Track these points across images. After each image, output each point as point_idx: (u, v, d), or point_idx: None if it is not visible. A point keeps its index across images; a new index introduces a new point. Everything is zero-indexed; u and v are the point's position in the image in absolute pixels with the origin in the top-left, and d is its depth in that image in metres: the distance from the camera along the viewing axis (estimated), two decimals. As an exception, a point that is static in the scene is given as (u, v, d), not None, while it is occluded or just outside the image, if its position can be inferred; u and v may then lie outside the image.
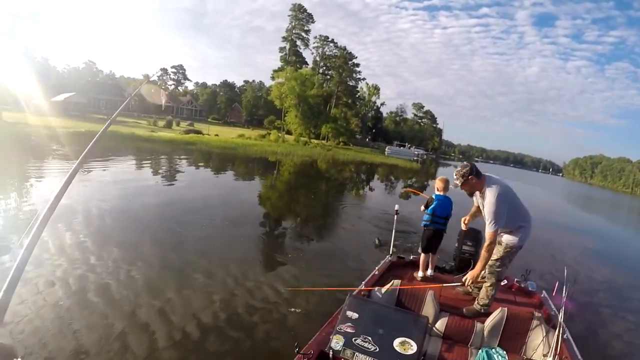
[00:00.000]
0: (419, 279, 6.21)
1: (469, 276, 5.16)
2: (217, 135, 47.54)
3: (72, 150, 23.96)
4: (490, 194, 4.83)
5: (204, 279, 7.48)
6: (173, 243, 9.35)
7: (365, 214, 16.42)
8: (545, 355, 4.32)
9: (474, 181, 4.96)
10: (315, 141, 67.15)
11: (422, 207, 6.42)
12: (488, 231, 4.84)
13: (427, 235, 6.30)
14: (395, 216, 7.42)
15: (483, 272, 5.27)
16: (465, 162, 5.10)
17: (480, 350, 4.47)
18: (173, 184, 17.77)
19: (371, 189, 29.56)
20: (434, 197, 6.28)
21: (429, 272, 6.34)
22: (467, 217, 5.70)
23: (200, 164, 27.51)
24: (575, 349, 4.57)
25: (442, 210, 6.18)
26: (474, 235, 7.19)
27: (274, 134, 60.75)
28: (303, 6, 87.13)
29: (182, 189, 16.67)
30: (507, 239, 5.14)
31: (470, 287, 5.61)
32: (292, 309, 6.71)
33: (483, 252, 4.98)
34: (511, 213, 4.96)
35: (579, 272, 12.61)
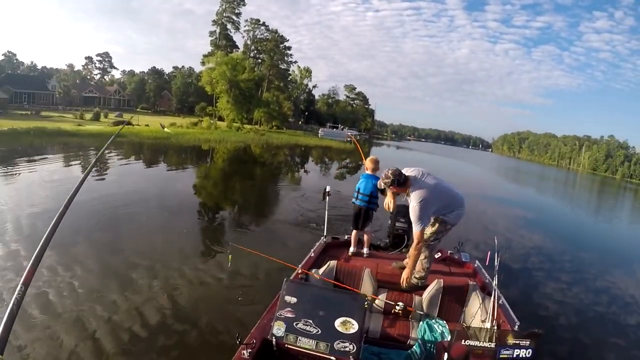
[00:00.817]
0: (349, 254, 6.31)
1: (403, 276, 5.25)
2: (147, 125, 46.07)
3: None
4: (415, 198, 4.96)
5: (144, 275, 7.48)
6: (109, 241, 9.26)
7: (301, 196, 16.69)
8: (483, 321, 4.51)
9: (395, 190, 5.17)
10: (248, 126, 67.02)
11: None
12: (415, 231, 4.96)
13: (354, 212, 6.47)
14: (327, 197, 7.51)
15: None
16: (391, 171, 5.05)
17: (421, 322, 4.74)
18: (104, 179, 17.27)
19: (306, 171, 30.32)
20: (361, 176, 6.54)
21: (365, 250, 6.40)
22: (390, 202, 5.59)
23: (131, 156, 26.87)
24: (512, 312, 4.79)
25: (365, 189, 6.32)
26: (405, 212, 6.81)
27: (206, 121, 60.18)
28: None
29: (114, 184, 16.29)
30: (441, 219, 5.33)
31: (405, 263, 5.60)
32: (236, 297, 6.95)
33: (412, 251, 5.09)
34: (442, 209, 5.19)
35: (510, 241, 13.77)
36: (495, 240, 5.54)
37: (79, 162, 22.28)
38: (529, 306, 8.22)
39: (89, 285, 6.92)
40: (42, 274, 6.99)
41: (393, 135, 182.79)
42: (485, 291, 5.22)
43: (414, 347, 4.36)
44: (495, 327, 4.23)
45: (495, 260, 4.93)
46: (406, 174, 5.09)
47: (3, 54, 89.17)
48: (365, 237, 6.44)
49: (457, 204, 5.30)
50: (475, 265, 6.29)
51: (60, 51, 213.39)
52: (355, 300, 3.97)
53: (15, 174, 16.60)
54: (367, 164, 6.47)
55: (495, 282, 4.73)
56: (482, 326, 4.29)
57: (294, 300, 3.86)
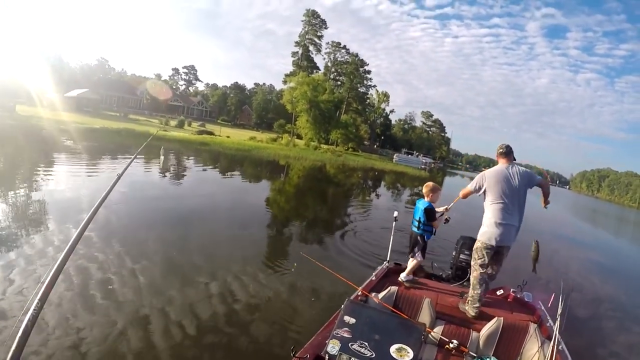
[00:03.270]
0: (405, 280, 6.14)
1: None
2: (228, 137, 47.52)
3: (88, 145, 24.21)
4: (495, 168, 5.47)
5: (205, 276, 7.60)
6: (176, 240, 9.51)
7: (369, 219, 16.48)
8: None
9: (501, 157, 5.50)
10: (325, 146, 67.26)
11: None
12: (465, 190, 5.54)
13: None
14: (394, 223, 7.45)
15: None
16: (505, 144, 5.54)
17: (475, 359, 4.51)
18: (181, 183, 18.17)
19: (377, 195, 29.70)
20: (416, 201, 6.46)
21: (402, 275, 6.22)
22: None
23: (211, 164, 27.71)
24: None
25: (415, 213, 6.26)
26: (470, 245, 6.85)
27: (285, 137, 61.12)
28: (317, 12, 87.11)
29: (190, 188, 17.03)
30: (480, 232, 5.42)
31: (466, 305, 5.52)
32: (294, 309, 6.84)
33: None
34: (496, 200, 5.30)
35: (580, 285, 12.60)
36: (562, 283, 5.01)
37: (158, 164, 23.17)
38: (590, 357, 7.63)
39: (151, 278, 7.13)
40: (110, 262, 7.43)
41: (467, 166, 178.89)
42: (546, 335, 4.97)
43: None
44: None
45: (560, 304, 4.52)
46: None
47: (97, 60, 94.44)
48: (412, 262, 6.27)
49: (503, 216, 5.27)
50: (538, 306, 6.02)
51: (149, 61, 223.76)
52: (413, 329, 3.90)
53: (105, 170, 17.51)
54: (423, 189, 6.38)
55: (557, 327, 4.37)
56: None
57: (352, 320, 3.84)
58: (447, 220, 6.76)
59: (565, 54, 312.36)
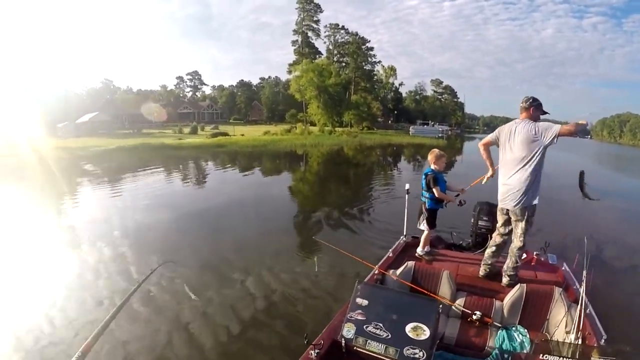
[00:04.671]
0: (422, 255, 6.09)
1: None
2: (242, 135, 48.00)
3: (108, 167, 24.68)
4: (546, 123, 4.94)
5: (240, 274, 7.76)
6: (209, 244, 9.74)
7: (391, 195, 16.56)
8: (567, 332, 4.23)
9: (530, 113, 5.05)
10: (340, 129, 67.04)
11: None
12: (561, 129, 4.69)
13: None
14: (407, 195, 7.26)
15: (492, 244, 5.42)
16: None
17: (500, 329, 4.47)
18: (204, 186, 19.05)
19: (399, 170, 29.53)
20: None
21: (419, 250, 6.16)
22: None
23: (235, 164, 28.10)
24: (599, 324, 4.37)
25: (422, 182, 6.12)
26: (489, 210, 7.05)
27: (299, 127, 61.50)
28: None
29: (214, 191, 17.67)
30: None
31: (486, 267, 5.50)
32: (314, 296, 6.98)
33: (571, 126, 4.68)
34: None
35: (607, 241, 11.72)
36: (585, 240, 4.91)
37: (183, 171, 23.69)
38: (620, 320, 6.99)
39: (187, 280, 7.37)
40: (145, 269, 7.61)
41: (485, 128, 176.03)
42: (572, 298, 4.80)
43: (491, 355, 4.16)
44: (580, 340, 3.95)
45: (585, 263, 4.31)
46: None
47: (101, 82, 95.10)
48: (424, 235, 6.14)
49: (509, 179, 5.11)
50: (563, 268, 5.86)
51: (153, 74, 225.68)
52: (427, 306, 3.80)
53: (125, 185, 18.07)
54: (428, 156, 6.18)
55: (583, 290, 4.21)
56: (566, 338, 4.14)
57: (365, 302, 3.83)
58: (461, 203, 6.58)
59: (567, 1, 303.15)
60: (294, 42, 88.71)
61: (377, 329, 3.63)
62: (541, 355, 3.35)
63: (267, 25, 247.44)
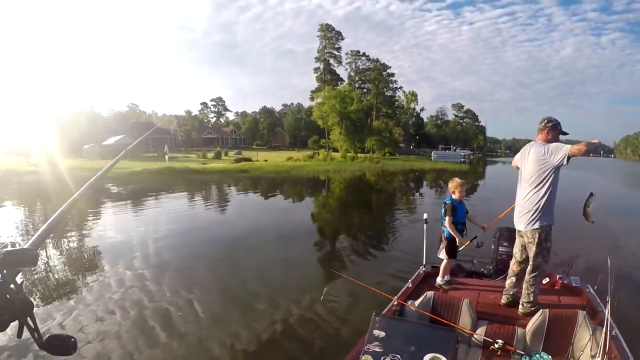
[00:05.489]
0: (441, 285, 6.10)
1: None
2: (266, 160, 48.55)
3: (133, 188, 25.44)
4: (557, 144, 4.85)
5: (259, 302, 7.74)
6: (229, 269, 9.83)
7: (413, 224, 15.91)
8: (593, 356, 4.10)
9: (548, 134, 4.99)
10: (362, 155, 67.55)
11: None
12: (571, 149, 4.60)
13: None
14: (425, 225, 7.19)
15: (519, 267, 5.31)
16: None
17: (523, 357, 4.33)
18: (225, 210, 19.23)
19: (421, 196, 29.48)
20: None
21: (438, 279, 6.18)
22: None
23: (257, 189, 28.45)
24: (626, 347, 4.33)
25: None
26: (509, 235, 6.91)
27: (322, 153, 62.15)
28: (331, 25, 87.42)
29: (234, 215, 17.85)
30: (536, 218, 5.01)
31: (508, 296, 5.46)
32: (333, 327, 6.85)
33: (582, 146, 4.61)
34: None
35: (630, 262, 11.44)
36: (609, 262, 4.63)
37: (205, 195, 24.43)
38: None
39: (206, 306, 7.38)
40: (165, 295, 7.81)
41: (507, 151, 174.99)
42: (597, 321, 4.64)
43: None
44: None
45: (609, 285, 4.26)
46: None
47: (127, 106, 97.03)
48: (443, 264, 6.17)
49: (520, 200, 5.15)
50: (587, 291, 5.76)
51: (177, 100, 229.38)
52: (446, 336, 3.80)
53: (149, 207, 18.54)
54: (449, 184, 6.29)
55: (607, 311, 4.11)
56: None
57: (382, 334, 3.76)
58: (478, 245, 6.67)
59: (584, 19, 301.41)
60: (316, 69, 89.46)
61: None
62: None
63: (290, 52, 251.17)
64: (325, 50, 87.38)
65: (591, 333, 4.28)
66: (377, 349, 3.66)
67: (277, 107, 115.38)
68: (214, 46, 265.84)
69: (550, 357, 4.27)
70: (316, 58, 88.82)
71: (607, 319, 4.03)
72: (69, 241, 12.01)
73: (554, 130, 4.99)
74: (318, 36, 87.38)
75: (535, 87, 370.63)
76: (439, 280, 6.09)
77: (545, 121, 5.01)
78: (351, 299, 7.81)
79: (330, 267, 9.97)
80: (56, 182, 22.89)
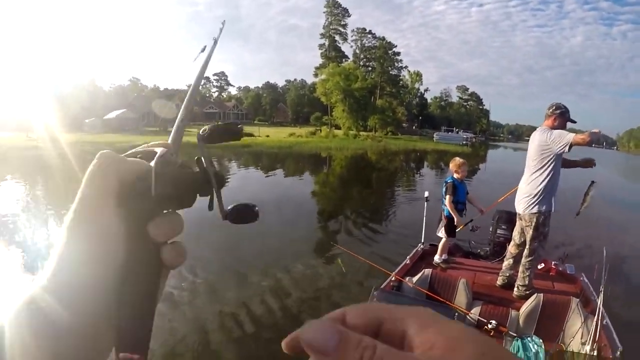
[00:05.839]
0: (439, 263, 6.16)
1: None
2: (268, 136, 48.57)
3: None
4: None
5: (255, 274, 7.79)
6: (228, 246, 9.59)
7: (414, 203, 15.94)
8: (583, 344, 4.22)
9: (555, 121, 4.99)
10: (364, 133, 67.45)
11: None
12: (571, 138, 4.64)
13: None
14: (426, 203, 7.25)
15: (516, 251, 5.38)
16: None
17: (515, 339, 4.45)
18: (226, 185, 18.42)
19: (421, 177, 29.64)
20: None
21: (435, 258, 6.23)
22: None
23: (259, 165, 28.41)
24: (615, 336, 4.36)
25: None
26: (508, 218, 7.06)
27: (324, 130, 61.93)
28: (337, 1, 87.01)
29: (236, 189, 17.23)
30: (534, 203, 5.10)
31: (504, 277, 5.56)
32: (334, 301, 6.86)
33: (584, 136, 4.66)
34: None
35: (626, 253, 11.40)
36: (605, 252, 4.89)
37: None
38: (637, 331, 6.80)
39: (209, 284, 7.32)
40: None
41: (510, 136, 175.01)
42: (589, 309, 4.76)
43: None
44: (595, 352, 3.99)
45: (603, 275, 4.39)
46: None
47: (129, 80, 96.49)
48: (441, 242, 6.25)
49: (522, 184, 5.26)
50: (582, 279, 5.87)
51: (180, 74, 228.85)
52: (443, 314, 3.67)
53: None
54: (450, 164, 6.38)
55: (600, 300, 4.24)
56: (581, 349, 4.14)
57: None
58: (473, 229, 6.78)
59: (596, 8, 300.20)
60: (321, 46, 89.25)
61: None
62: None
63: (295, 27, 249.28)
64: (331, 27, 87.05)
65: (583, 320, 4.37)
66: None
67: (281, 83, 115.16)
68: (218, 20, 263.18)
69: (541, 341, 4.39)
70: (321, 34, 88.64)
71: (599, 307, 4.16)
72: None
73: (561, 117, 4.99)
74: (324, 12, 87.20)
75: (543, 73, 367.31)
76: (436, 258, 6.16)
77: (554, 107, 5.02)
78: (351, 272, 7.83)
79: (331, 241, 10.05)
80: (58, 157, 22.76)
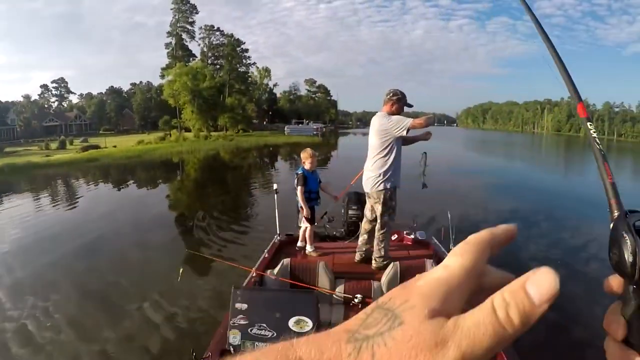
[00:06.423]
0: (310, 252, 6.19)
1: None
2: (115, 146, 46.29)
3: None
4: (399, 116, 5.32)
5: (120, 298, 7.55)
6: (88, 271, 9.20)
7: (267, 196, 15.93)
8: None
9: (394, 106, 5.37)
10: (215, 134, 67.02)
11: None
12: (410, 123, 5.10)
13: None
14: (275, 195, 7.34)
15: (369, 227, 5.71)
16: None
17: None
18: (76, 207, 17.69)
19: (276, 170, 30.72)
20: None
21: (299, 243, 6.38)
22: None
23: (103, 180, 26.89)
24: None
25: None
26: (356, 199, 7.34)
27: (174, 134, 60.89)
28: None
29: (86, 210, 16.56)
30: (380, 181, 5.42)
31: (361, 253, 5.83)
32: (198, 309, 6.95)
33: (421, 120, 5.23)
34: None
35: (467, 211, 13.66)
36: (449, 214, 5.68)
37: (50, 192, 22.57)
38: None
39: (69, 316, 6.93)
40: (23, 313, 7.08)
41: (358, 123, 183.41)
42: None
43: None
44: None
45: (450, 234, 5.05)
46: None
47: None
48: (303, 231, 6.34)
49: (367, 165, 5.57)
50: (432, 242, 6.42)
51: (14, 83, 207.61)
52: (305, 298, 3.92)
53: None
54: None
55: None
56: None
57: (244, 306, 3.74)
58: (330, 220, 7.22)
59: (436, 5, 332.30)
60: (167, 45, 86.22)
61: (262, 329, 3.63)
62: None
63: (141, 25, 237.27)
64: (179, 25, 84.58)
65: None
66: (242, 322, 3.69)
67: (126, 87, 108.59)
68: (57, 18, 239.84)
69: None
70: (168, 32, 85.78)
71: None
72: None
73: (398, 103, 5.37)
74: (172, 9, 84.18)
75: (386, 64, 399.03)
76: (308, 248, 6.19)
77: (391, 94, 5.38)
78: (213, 276, 7.99)
79: (189, 248, 9.82)
80: None
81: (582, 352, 5.90)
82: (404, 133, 5.14)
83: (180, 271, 5.63)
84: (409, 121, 5.09)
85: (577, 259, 10.05)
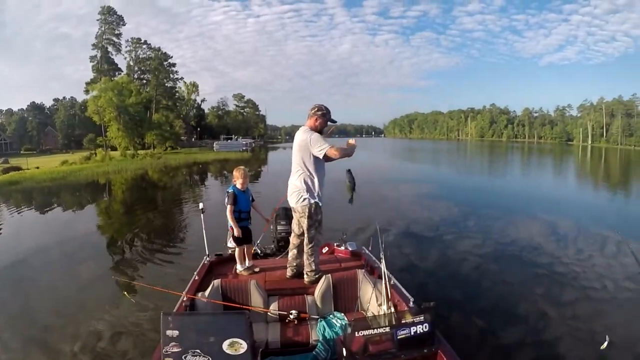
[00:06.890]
0: (240, 272, 6.04)
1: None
2: (37, 167, 44.41)
3: None
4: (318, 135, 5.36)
5: (46, 334, 7.03)
6: (12, 308, 8.44)
7: (196, 216, 14.79)
8: (380, 305, 4.62)
9: (319, 121, 5.46)
10: (143, 152, 66.19)
11: None
12: (328, 150, 5.12)
13: None
14: (202, 215, 7.22)
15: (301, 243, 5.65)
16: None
17: (319, 320, 4.69)
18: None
19: (206, 188, 30.72)
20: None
21: (238, 267, 6.10)
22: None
23: (26, 205, 24.92)
24: (404, 290, 4.87)
25: None
26: (285, 214, 7.52)
27: (99, 153, 59.58)
28: (112, 8, 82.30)
29: (8, 240, 15.25)
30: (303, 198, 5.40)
31: (292, 269, 5.79)
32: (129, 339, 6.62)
33: (337, 151, 5.15)
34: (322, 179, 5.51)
35: (396, 219, 13.87)
36: (377, 225, 5.54)
37: None
38: (418, 280, 8.31)
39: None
40: None
41: (287, 137, 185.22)
42: (376, 275, 5.31)
43: (317, 347, 4.28)
44: (392, 309, 4.43)
45: (380, 243, 4.87)
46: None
47: None
48: (236, 252, 6.13)
49: (291, 180, 5.55)
50: (363, 252, 6.46)
51: None
52: (237, 319, 3.77)
53: None
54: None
55: (383, 265, 4.65)
56: (379, 310, 4.56)
57: (176, 333, 3.56)
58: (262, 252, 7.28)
59: (363, 20, 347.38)
60: (92, 58, 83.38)
61: (196, 355, 3.49)
62: (361, 332, 3.45)
63: (66, 36, 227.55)
64: (104, 37, 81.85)
65: (373, 286, 4.89)
66: (175, 350, 3.54)
67: (48, 103, 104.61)
68: None
69: (343, 314, 4.80)
70: (93, 45, 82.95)
71: (384, 271, 4.61)
72: None
73: (322, 118, 5.44)
74: (98, 20, 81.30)
75: (313, 78, 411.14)
76: (238, 267, 6.05)
77: (316, 109, 5.44)
78: (144, 304, 7.44)
79: (117, 276, 9.57)
80: None
81: (518, 349, 6.13)
82: (320, 156, 5.21)
83: (126, 294, 5.87)
84: (326, 147, 5.11)
85: (507, 253, 10.64)
